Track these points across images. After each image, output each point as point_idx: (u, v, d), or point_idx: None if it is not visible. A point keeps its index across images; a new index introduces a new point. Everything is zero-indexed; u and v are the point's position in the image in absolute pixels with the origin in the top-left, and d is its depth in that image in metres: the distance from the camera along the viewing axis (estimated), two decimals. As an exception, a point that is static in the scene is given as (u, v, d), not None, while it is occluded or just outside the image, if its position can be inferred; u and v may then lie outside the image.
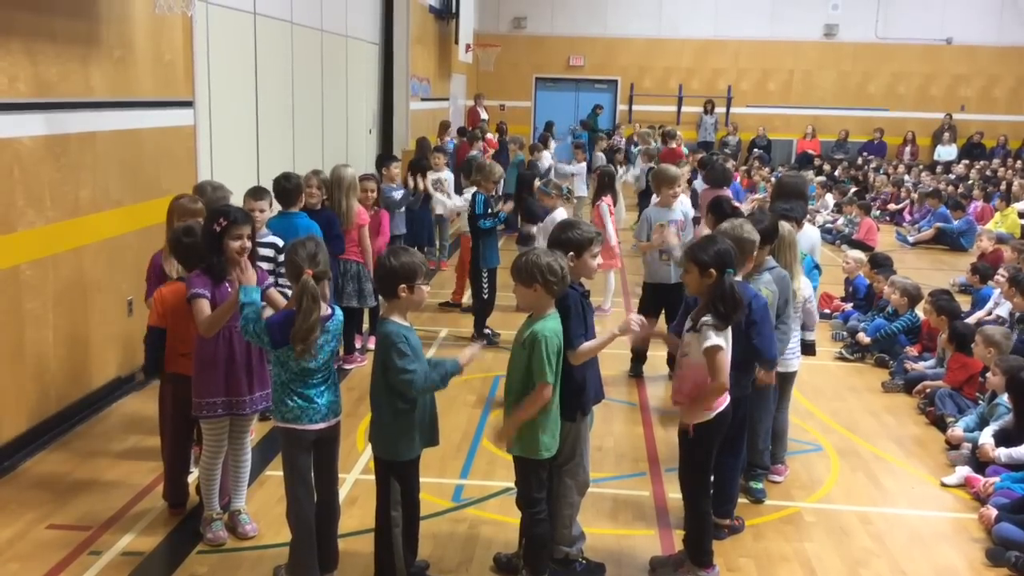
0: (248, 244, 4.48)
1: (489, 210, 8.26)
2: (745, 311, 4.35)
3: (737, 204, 6.77)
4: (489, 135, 16.58)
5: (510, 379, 4.11)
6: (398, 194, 9.61)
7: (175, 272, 5.00)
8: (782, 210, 5.71)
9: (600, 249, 4.58)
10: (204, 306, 4.40)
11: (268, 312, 4.65)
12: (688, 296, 4.78)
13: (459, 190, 12.49)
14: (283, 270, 5.58)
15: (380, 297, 4.59)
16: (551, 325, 4.00)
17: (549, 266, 3.95)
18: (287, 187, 6.52)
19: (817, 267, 6.21)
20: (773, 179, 14.53)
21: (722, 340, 4.13)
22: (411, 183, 10.43)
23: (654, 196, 7.98)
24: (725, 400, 4.30)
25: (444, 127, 16.60)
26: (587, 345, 4.19)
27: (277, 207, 6.51)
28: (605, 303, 9.34)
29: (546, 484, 4.21)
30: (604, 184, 9.64)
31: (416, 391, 3.93)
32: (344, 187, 7.20)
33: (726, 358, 4.17)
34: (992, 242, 11.68)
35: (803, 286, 5.43)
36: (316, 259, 4.01)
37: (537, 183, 9.52)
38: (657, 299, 7.34)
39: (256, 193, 5.96)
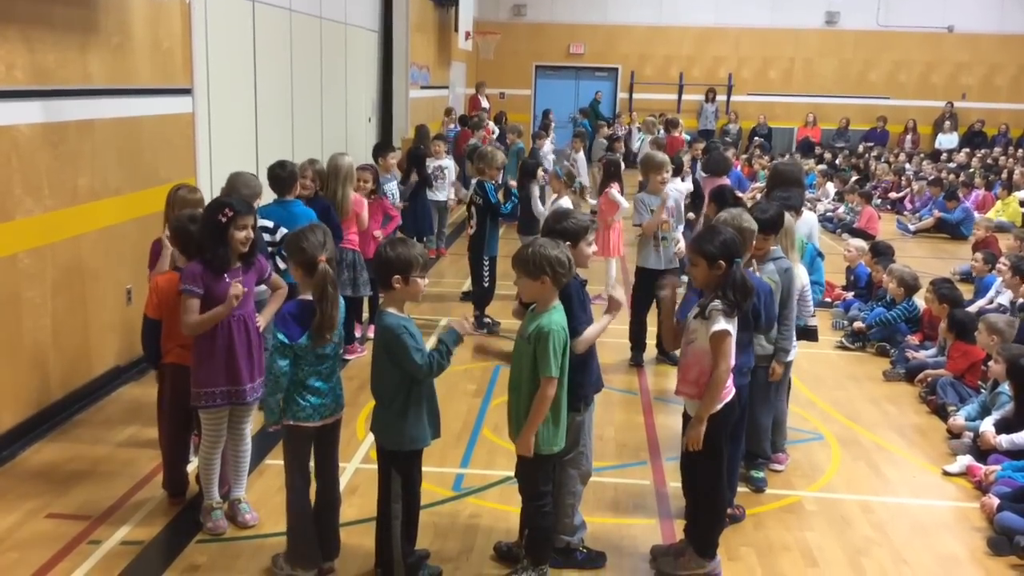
0: (252, 234, 4.48)
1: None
2: (754, 299, 4.32)
3: (740, 194, 6.76)
4: (488, 123, 16.54)
5: (516, 374, 4.07)
6: (391, 185, 9.56)
7: (174, 256, 4.94)
8: (780, 199, 5.68)
9: (595, 238, 4.57)
10: (193, 305, 4.38)
11: (269, 312, 4.65)
12: (693, 290, 4.73)
13: (464, 178, 12.47)
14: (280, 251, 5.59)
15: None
16: (556, 318, 3.96)
17: (557, 258, 3.91)
18: (281, 175, 6.47)
19: (820, 254, 6.17)
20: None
21: (731, 326, 4.10)
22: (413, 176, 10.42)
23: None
24: (731, 390, 4.28)
25: (448, 114, 16.56)
26: (589, 332, 4.18)
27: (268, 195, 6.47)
28: (606, 293, 9.28)
29: (552, 477, 4.19)
30: (610, 173, 9.57)
31: (429, 374, 3.93)
32: (341, 176, 7.15)
33: (732, 345, 4.13)
34: (989, 231, 11.63)
35: (800, 273, 5.40)
36: (326, 246, 4.06)
37: (541, 172, 9.49)
38: (649, 285, 7.31)
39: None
